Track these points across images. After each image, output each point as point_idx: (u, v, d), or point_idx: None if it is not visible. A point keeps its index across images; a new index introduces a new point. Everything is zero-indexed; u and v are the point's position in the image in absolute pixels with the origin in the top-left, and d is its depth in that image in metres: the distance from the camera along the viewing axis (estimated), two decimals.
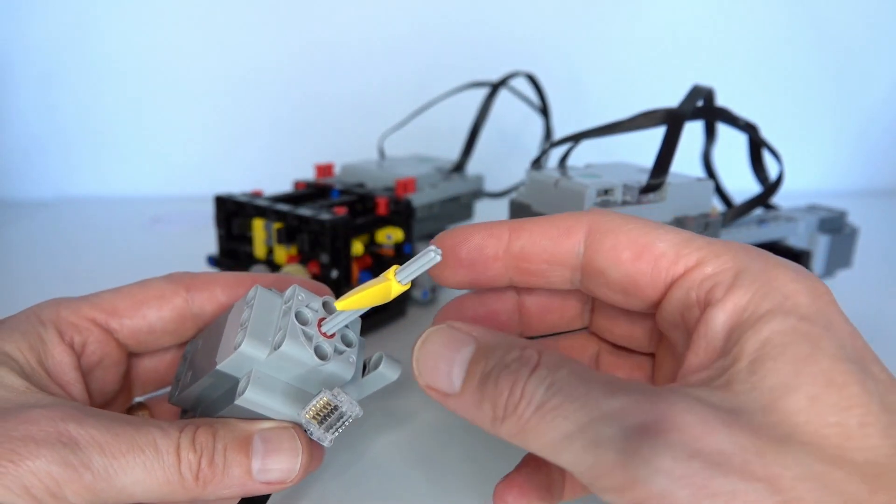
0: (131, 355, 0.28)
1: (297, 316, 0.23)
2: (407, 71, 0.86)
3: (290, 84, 0.87)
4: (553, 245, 0.22)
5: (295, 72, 0.87)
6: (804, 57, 0.90)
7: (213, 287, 0.27)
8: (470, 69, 0.71)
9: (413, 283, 0.52)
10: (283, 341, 0.22)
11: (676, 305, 0.20)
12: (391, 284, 0.21)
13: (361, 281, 0.44)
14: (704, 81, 0.39)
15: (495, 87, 0.56)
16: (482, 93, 0.57)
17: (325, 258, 0.40)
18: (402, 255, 0.46)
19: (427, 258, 0.20)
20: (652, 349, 0.25)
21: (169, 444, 0.21)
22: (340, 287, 0.41)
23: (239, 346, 0.22)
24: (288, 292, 0.24)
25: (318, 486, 0.30)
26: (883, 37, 0.90)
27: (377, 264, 0.46)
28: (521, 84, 0.59)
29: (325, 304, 0.24)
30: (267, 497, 0.24)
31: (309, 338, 0.22)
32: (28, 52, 0.83)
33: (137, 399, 0.29)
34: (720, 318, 0.19)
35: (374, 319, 0.46)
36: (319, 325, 0.23)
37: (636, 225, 0.22)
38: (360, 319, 0.25)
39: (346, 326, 0.24)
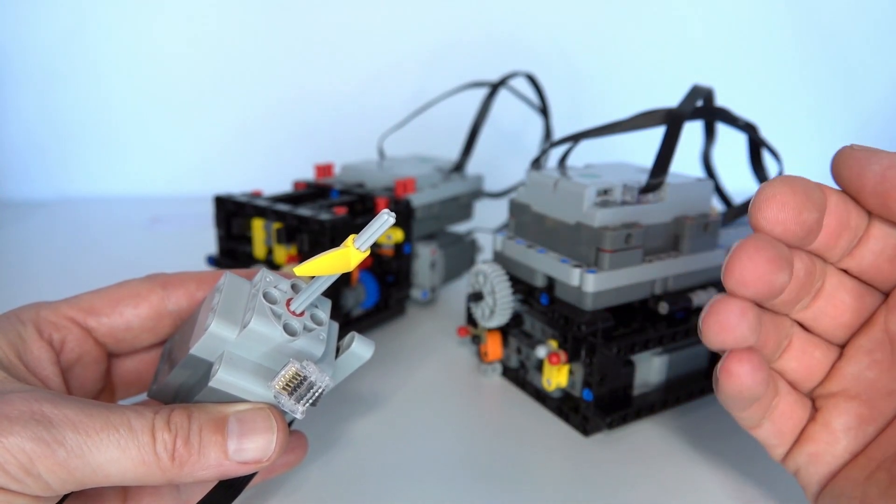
0: (112, 356, 0.28)
1: (265, 296, 0.23)
2: (407, 71, 0.86)
3: (290, 84, 0.87)
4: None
5: (295, 72, 0.87)
6: (804, 57, 0.90)
7: (188, 283, 0.28)
8: (470, 69, 0.71)
9: (413, 283, 0.53)
10: (252, 319, 0.22)
11: None
12: (350, 251, 0.21)
13: (363, 282, 0.44)
14: (704, 81, 0.39)
15: (495, 87, 0.56)
16: (482, 93, 0.57)
17: None
18: (402, 255, 0.46)
19: (381, 220, 0.20)
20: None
21: (143, 424, 0.21)
22: (340, 287, 0.41)
23: (209, 327, 0.22)
24: (256, 276, 0.24)
25: (297, 473, 0.30)
26: (883, 37, 0.90)
27: (377, 264, 0.46)
28: (521, 84, 0.59)
29: (293, 286, 0.24)
30: (244, 482, 0.24)
31: (277, 315, 0.23)
32: (28, 52, 0.83)
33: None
34: None
35: (375, 319, 0.46)
36: (288, 305, 0.23)
37: None
38: (329, 302, 0.25)
39: (317, 307, 0.24)
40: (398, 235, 0.45)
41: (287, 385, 0.22)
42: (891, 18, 0.89)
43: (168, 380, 0.25)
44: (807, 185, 0.22)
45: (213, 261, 0.46)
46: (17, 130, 0.86)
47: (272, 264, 0.43)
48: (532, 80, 0.57)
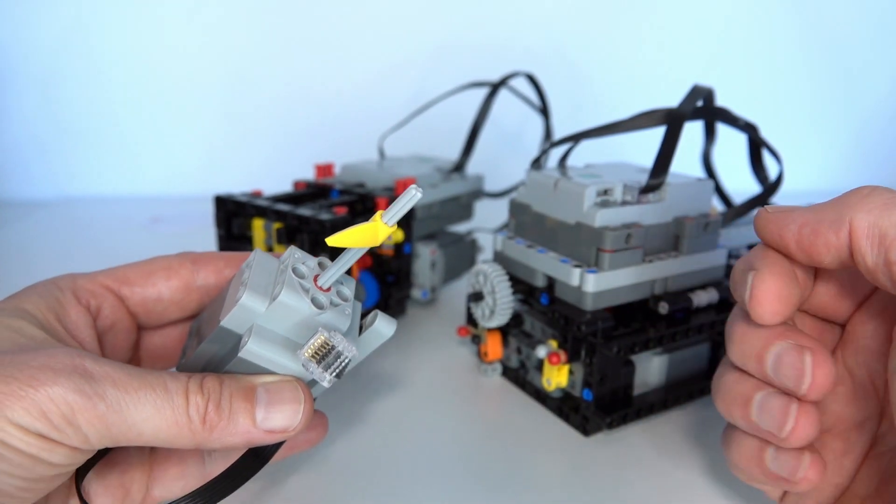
0: (141, 329, 0.29)
1: (294, 271, 0.24)
2: (407, 71, 0.86)
3: (290, 84, 0.87)
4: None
5: (295, 72, 0.87)
6: (804, 57, 0.90)
7: (217, 260, 0.29)
8: (470, 69, 0.71)
9: (414, 283, 0.53)
10: (282, 292, 0.23)
11: None
12: (378, 225, 0.22)
13: (363, 281, 0.44)
14: (704, 81, 0.39)
15: (495, 87, 0.56)
16: (482, 93, 0.57)
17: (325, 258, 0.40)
18: (401, 255, 0.46)
19: (409, 195, 0.21)
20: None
21: (178, 387, 0.21)
22: None
23: (240, 299, 0.23)
24: (285, 253, 0.25)
25: (296, 472, 0.30)
26: (882, 37, 0.90)
27: (377, 264, 0.46)
28: (521, 84, 0.59)
29: (320, 264, 0.25)
30: (271, 452, 0.25)
31: (305, 290, 0.23)
32: (29, 53, 0.83)
33: None
34: None
35: None
36: (316, 281, 0.24)
37: None
38: (353, 281, 0.26)
39: (342, 283, 0.25)
40: (398, 235, 0.45)
41: (316, 353, 0.23)
42: (891, 19, 0.89)
43: (197, 353, 0.25)
44: (788, 269, 0.23)
45: None
46: (18, 130, 0.86)
47: None
48: (532, 80, 0.57)
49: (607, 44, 0.88)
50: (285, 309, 0.23)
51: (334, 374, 0.23)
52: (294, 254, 0.25)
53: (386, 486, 0.30)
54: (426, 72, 0.86)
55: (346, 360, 0.23)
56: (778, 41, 0.89)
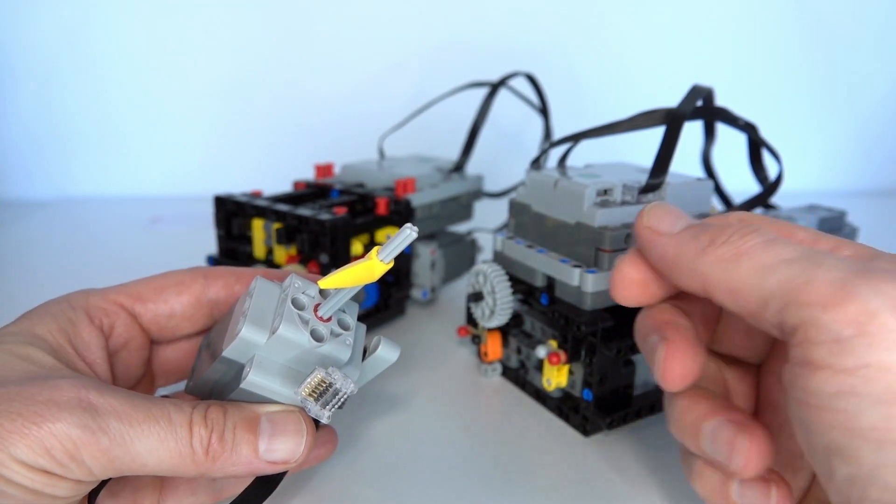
0: (153, 343, 0.29)
1: (294, 302, 0.24)
2: (407, 71, 0.86)
3: (290, 84, 0.87)
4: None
5: (295, 72, 0.87)
6: (804, 57, 0.90)
7: (228, 276, 0.29)
8: (470, 69, 0.71)
9: (413, 283, 0.53)
10: (280, 325, 0.23)
11: None
12: (374, 263, 0.22)
13: None
14: (704, 81, 0.39)
15: (495, 87, 0.56)
16: (482, 93, 0.57)
17: (324, 258, 0.40)
18: (401, 255, 0.46)
19: (404, 235, 0.21)
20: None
21: (182, 418, 0.22)
22: None
23: (240, 332, 0.23)
24: (286, 281, 0.25)
25: (321, 469, 0.30)
26: (882, 37, 0.90)
27: None
28: (521, 84, 0.59)
29: (321, 291, 0.25)
30: (279, 479, 0.25)
31: (305, 321, 0.23)
32: (28, 52, 0.83)
33: (161, 394, 0.31)
34: None
35: (375, 319, 0.46)
36: (316, 311, 0.24)
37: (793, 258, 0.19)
38: (356, 305, 0.26)
39: (343, 311, 0.25)
40: None
41: (313, 391, 0.23)
42: (891, 19, 0.89)
43: (204, 376, 0.26)
44: (692, 336, 0.23)
45: (212, 261, 0.46)
46: (18, 130, 0.86)
47: (272, 264, 0.43)
48: (532, 80, 0.57)
49: (607, 44, 0.88)
50: (285, 342, 0.23)
51: (332, 409, 0.23)
52: (294, 282, 0.25)
53: (385, 485, 0.30)
54: (426, 72, 0.86)
55: (344, 396, 0.23)
56: (778, 41, 0.89)
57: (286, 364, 0.24)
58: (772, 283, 0.19)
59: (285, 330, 0.23)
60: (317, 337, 0.23)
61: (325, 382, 0.23)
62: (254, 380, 0.23)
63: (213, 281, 0.29)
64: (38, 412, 0.19)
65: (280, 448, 0.23)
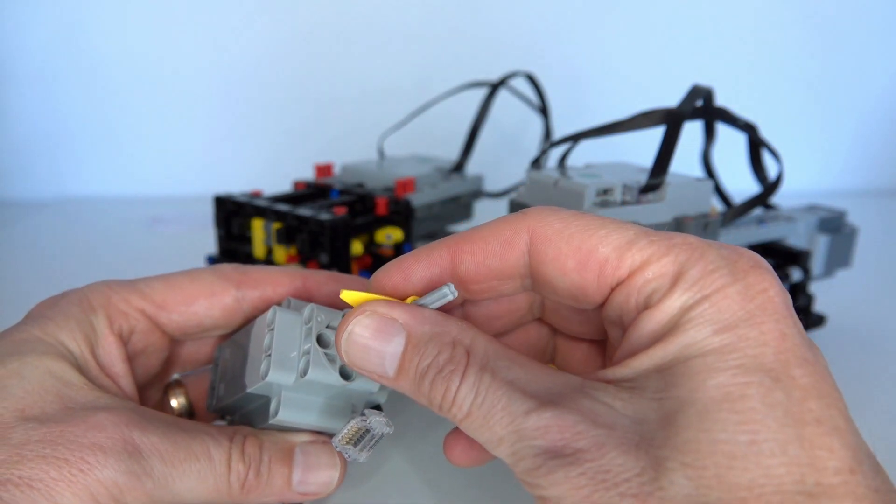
0: (174, 340, 0.28)
1: (319, 339, 0.24)
2: (407, 71, 0.86)
3: (290, 83, 0.87)
4: (498, 262, 0.22)
5: (295, 71, 0.87)
6: (803, 57, 0.90)
7: (264, 286, 0.27)
8: (470, 69, 0.71)
9: None
10: (308, 369, 0.23)
11: (616, 309, 0.21)
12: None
13: None
14: (704, 81, 0.39)
15: (495, 87, 0.56)
16: (482, 93, 0.57)
17: (324, 258, 0.40)
18: (401, 254, 0.46)
19: (441, 294, 0.21)
20: (603, 337, 0.25)
21: (221, 455, 0.22)
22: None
23: (265, 376, 0.23)
24: (306, 313, 0.24)
25: None
26: (882, 37, 0.90)
27: (377, 264, 0.46)
28: (521, 84, 0.59)
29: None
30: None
31: (332, 360, 0.23)
32: (28, 52, 0.83)
33: (175, 376, 0.30)
34: (647, 325, 0.19)
35: None
36: None
37: (578, 228, 0.21)
38: None
39: None
40: (398, 235, 0.45)
41: (350, 439, 0.23)
42: (891, 19, 0.89)
43: (229, 402, 0.25)
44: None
45: (212, 261, 0.46)
46: (18, 130, 0.86)
47: (272, 264, 0.43)
48: (532, 80, 0.57)
49: (607, 44, 0.88)
50: (313, 384, 0.23)
51: (370, 450, 0.23)
52: (317, 316, 0.24)
53: (384, 485, 0.30)
54: (426, 72, 0.86)
55: (381, 436, 0.23)
56: (778, 41, 0.89)
57: (315, 398, 0.24)
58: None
59: (314, 374, 0.23)
60: (345, 375, 0.23)
61: (361, 429, 0.23)
62: (283, 418, 0.23)
63: (247, 292, 0.27)
64: (84, 458, 0.20)
65: (313, 481, 0.23)
